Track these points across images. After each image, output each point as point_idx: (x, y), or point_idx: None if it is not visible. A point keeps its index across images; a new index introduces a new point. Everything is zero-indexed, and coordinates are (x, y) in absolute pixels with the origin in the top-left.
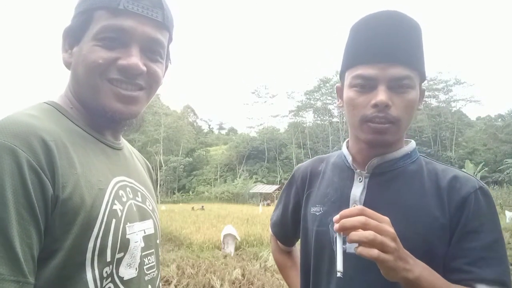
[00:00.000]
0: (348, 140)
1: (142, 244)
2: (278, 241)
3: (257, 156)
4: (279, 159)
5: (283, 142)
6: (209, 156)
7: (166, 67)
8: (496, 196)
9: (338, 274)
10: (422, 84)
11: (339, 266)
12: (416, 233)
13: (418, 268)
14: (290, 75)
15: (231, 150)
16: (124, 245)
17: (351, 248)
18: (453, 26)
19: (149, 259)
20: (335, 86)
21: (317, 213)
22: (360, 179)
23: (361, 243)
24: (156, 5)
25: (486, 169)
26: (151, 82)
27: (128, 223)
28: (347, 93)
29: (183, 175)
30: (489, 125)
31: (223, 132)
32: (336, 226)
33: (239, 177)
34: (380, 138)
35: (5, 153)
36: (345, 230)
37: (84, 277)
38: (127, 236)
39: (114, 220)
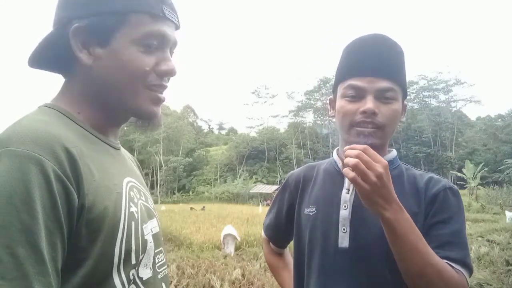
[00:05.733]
0: (338, 148)
1: (153, 243)
2: (271, 244)
3: (257, 156)
4: (279, 159)
5: (283, 142)
6: (209, 156)
7: None
8: (496, 196)
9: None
10: (404, 101)
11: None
12: None
13: (397, 214)
14: (290, 75)
15: (231, 150)
16: (144, 246)
17: (343, 243)
18: (453, 26)
19: (159, 257)
20: (328, 98)
21: (311, 214)
22: (349, 183)
23: (348, 166)
24: (174, 9)
25: (486, 169)
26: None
27: (143, 224)
28: (339, 102)
29: (183, 175)
30: (489, 125)
31: (223, 132)
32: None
33: (239, 177)
34: (366, 141)
35: (31, 164)
36: (346, 157)
37: (112, 282)
38: (145, 237)
39: (133, 223)
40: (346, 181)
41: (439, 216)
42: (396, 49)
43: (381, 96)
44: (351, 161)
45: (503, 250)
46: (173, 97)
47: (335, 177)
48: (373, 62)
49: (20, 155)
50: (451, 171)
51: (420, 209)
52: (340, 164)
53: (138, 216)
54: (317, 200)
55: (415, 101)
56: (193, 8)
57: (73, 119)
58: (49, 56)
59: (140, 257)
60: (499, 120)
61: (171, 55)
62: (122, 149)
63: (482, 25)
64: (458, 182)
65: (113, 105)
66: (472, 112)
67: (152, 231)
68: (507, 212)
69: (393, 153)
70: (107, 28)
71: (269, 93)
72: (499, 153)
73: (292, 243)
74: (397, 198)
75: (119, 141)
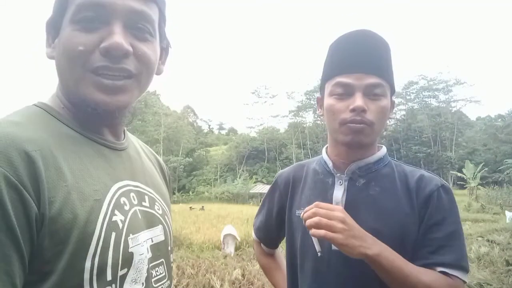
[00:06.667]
0: (327, 147)
1: (150, 255)
2: (262, 245)
3: (257, 156)
4: (279, 159)
5: (283, 142)
6: (209, 156)
7: (166, 52)
8: (496, 196)
9: (319, 254)
10: (392, 97)
11: (317, 247)
12: (391, 228)
13: (377, 247)
14: (290, 75)
15: (231, 150)
16: (127, 260)
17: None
18: (453, 27)
19: (157, 271)
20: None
21: None
22: (340, 182)
23: (312, 227)
24: None
25: (486, 169)
26: (141, 67)
27: (131, 234)
28: (328, 101)
29: (183, 175)
30: (489, 125)
31: (223, 132)
32: (308, 222)
33: (239, 177)
34: (357, 138)
35: None
36: (305, 220)
37: None
38: (130, 250)
39: (113, 234)
40: (336, 180)
41: (434, 218)
42: (383, 44)
43: (370, 93)
44: (312, 220)
45: (503, 250)
46: (173, 97)
47: (326, 177)
48: (360, 58)
49: None
50: (451, 171)
51: (412, 210)
52: (331, 164)
53: (123, 226)
54: (309, 202)
55: (415, 101)
56: (193, 8)
57: (56, 117)
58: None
59: (121, 273)
60: (499, 120)
61: (151, 34)
62: (132, 148)
63: (482, 25)
64: (458, 182)
65: (70, 96)
66: (472, 112)
67: (152, 241)
68: (507, 212)
69: (383, 150)
70: (57, 14)
71: (269, 93)
72: (499, 153)
73: (283, 242)
74: (366, 232)
75: (123, 141)
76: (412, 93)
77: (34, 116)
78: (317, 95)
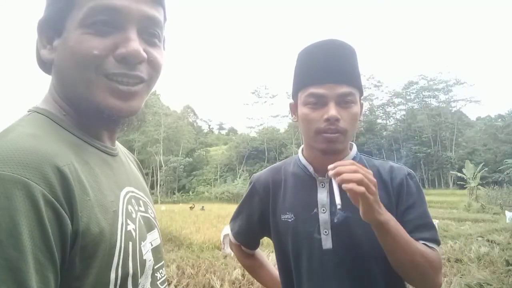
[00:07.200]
0: (303, 149)
1: (153, 260)
2: (243, 247)
3: (257, 156)
4: (279, 159)
5: (283, 142)
6: (209, 156)
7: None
8: (496, 196)
9: (338, 207)
10: (361, 99)
11: (338, 200)
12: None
13: (387, 215)
14: (290, 75)
15: (231, 150)
16: (142, 268)
17: (326, 245)
18: (453, 27)
19: (161, 272)
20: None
21: (289, 220)
22: (322, 184)
23: (352, 182)
24: None
25: (486, 169)
26: (152, 73)
27: (142, 242)
28: (302, 110)
29: (183, 175)
30: (489, 125)
31: (223, 132)
32: (331, 172)
33: (239, 177)
34: (332, 146)
35: (17, 189)
36: (340, 175)
37: None
38: (144, 257)
39: (130, 243)
40: (318, 183)
41: (406, 202)
42: (350, 52)
43: (342, 101)
44: (355, 177)
45: (503, 250)
46: (173, 97)
47: (307, 181)
48: (331, 69)
49: (4, 179)
50: (451, 171)
51: (389, 200)
52: (311, 169)
53: (136, 234)
54: (293, 206)
55: (415, 101)
56: (193, 8)
57: (62, 125)
58: (37, 57)
59: (139, 281)
60: (499, 120)
61: (159, 39)
62: (120, 152)
63: (482, 25)
64: (458, 182)
65: (76, 101)
66: (472, 112)
67: (152, 245)
68: (507, 212)
69: (354, 148)
70: (58, 14)
71: (269, 93)
72: (499, 153)
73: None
74: None
75: (116, 147)
76: (412, 93)
77: (45, 126)
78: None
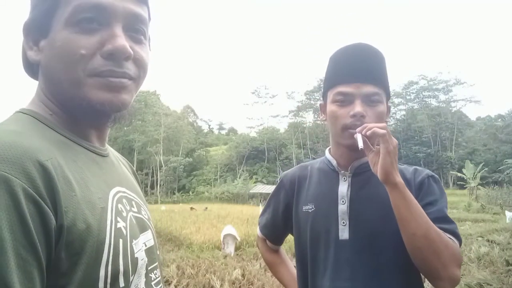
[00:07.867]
0: (330, 148)
1: (146, 259)
2: (267, 242)
3: (257, 156)
4: (279, 159)
5: (283, 142)
6: (209, 156)
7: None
8: (496, 196)
9: (360, 148)
10: (389, 102)
11: (360, 144)
12: (393, 217)
13: (400, 178)
14: (290, 75)
15: (231, 150)
16: (134, 266)
17: (343, 235)
18: (453, 27)
19: (156, 273)
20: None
21: (310, 210)
22: (344, 178)
23: (378, 135)
24: None
25: (486, 169)
26: (139, 71)
27: (133, 240)
28: (330, 107)
29: (183, 175)
30: (489, 125)
31: (223, 132)
32: (358, 128)
33: (239, 177)
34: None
35: None
36: (369, 130)
37: None
38: (135, 255)
39: (121, 240)
40: (341, 177)
41: (427, 199)
42: (378, 56)
43: (368, 100)
44: (380, 131)
45: (503, 250)
46: (173, 97)
47: (330, 174)
48: (359, 69)
49: None
50: (451, 171)
51: None
52: (335, 163)
53: (126, 232)
54: (315, 197)
55: (415, 101)
56: (193, 8)
57: (48, 124)
58: (24, 61)
59: (131, 279)
60: (499, 120)
61: (145, 36)
62: (111, 154)
63: (482, 25)
64: (458, 182)
65: (65, 101)
66: (472, 112)
67: (145, 245)
68: (507, 212)
69: None
70: (44, 15)
71: (269, 93)
72: (499, 153)
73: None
74: None
75: (106, 147)
76: (412, 93)
77: (28, 124)
78: (317, 95)
